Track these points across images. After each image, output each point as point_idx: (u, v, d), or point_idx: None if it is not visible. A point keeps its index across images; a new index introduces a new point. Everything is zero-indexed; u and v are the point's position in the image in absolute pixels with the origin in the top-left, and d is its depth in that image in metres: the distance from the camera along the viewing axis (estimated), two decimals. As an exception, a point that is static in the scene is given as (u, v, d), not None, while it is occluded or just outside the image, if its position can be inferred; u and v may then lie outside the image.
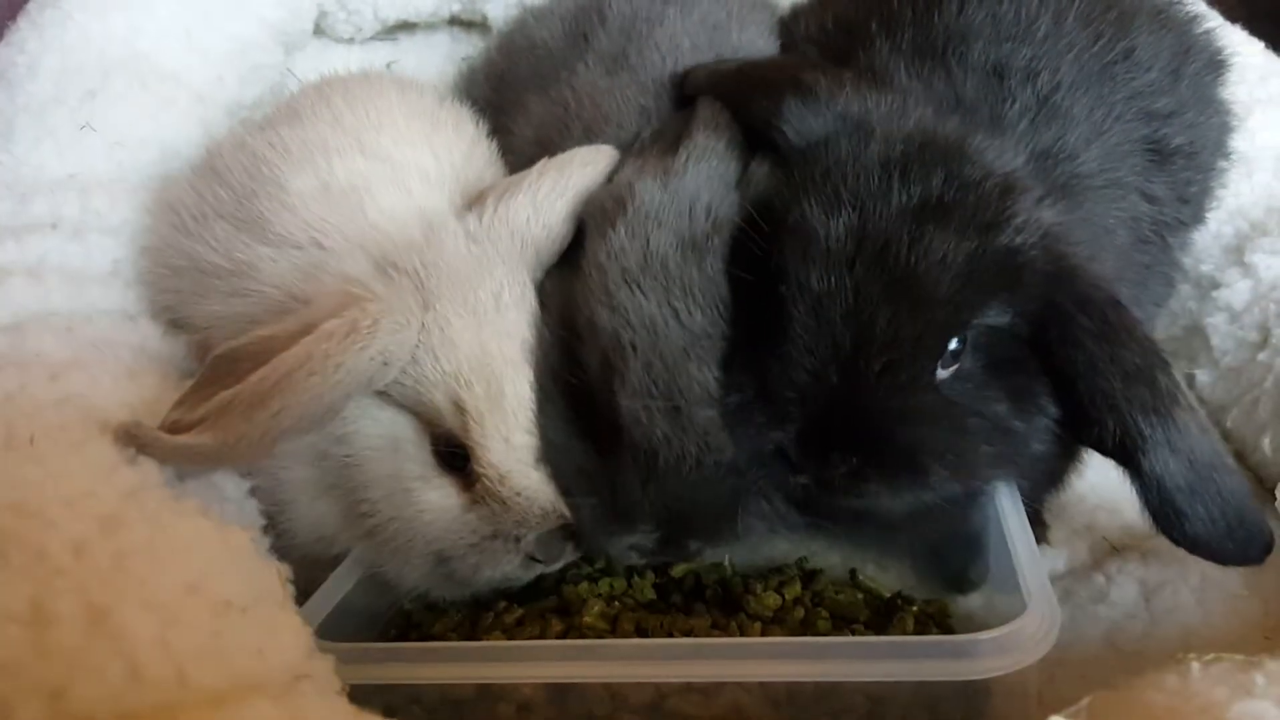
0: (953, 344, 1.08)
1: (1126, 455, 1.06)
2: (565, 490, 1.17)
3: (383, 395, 1.18)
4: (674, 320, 1.10)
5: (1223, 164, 1.52)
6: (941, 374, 1.08)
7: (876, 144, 1.14)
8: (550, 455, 1.17)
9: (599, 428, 1.15)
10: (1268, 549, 1.08)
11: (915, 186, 1.09)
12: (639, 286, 1.12)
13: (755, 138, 1.27)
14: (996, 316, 1.09)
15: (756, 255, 1.13)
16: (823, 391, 1.06)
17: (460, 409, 1.15)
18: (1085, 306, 1.07)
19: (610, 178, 1.30)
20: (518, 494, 1.16)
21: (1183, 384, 1.08)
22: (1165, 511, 1.06)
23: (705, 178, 1.19)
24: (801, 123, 1.20)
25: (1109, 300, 1.08)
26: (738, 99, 1.29)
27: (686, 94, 1.41)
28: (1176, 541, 1.08)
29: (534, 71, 1.65)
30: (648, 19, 1.57)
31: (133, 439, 1.06)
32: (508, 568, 1.21)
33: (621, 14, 1.60)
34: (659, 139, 1.32)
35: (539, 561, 1.21)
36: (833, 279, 1.06)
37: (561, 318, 1.21)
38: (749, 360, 1.12)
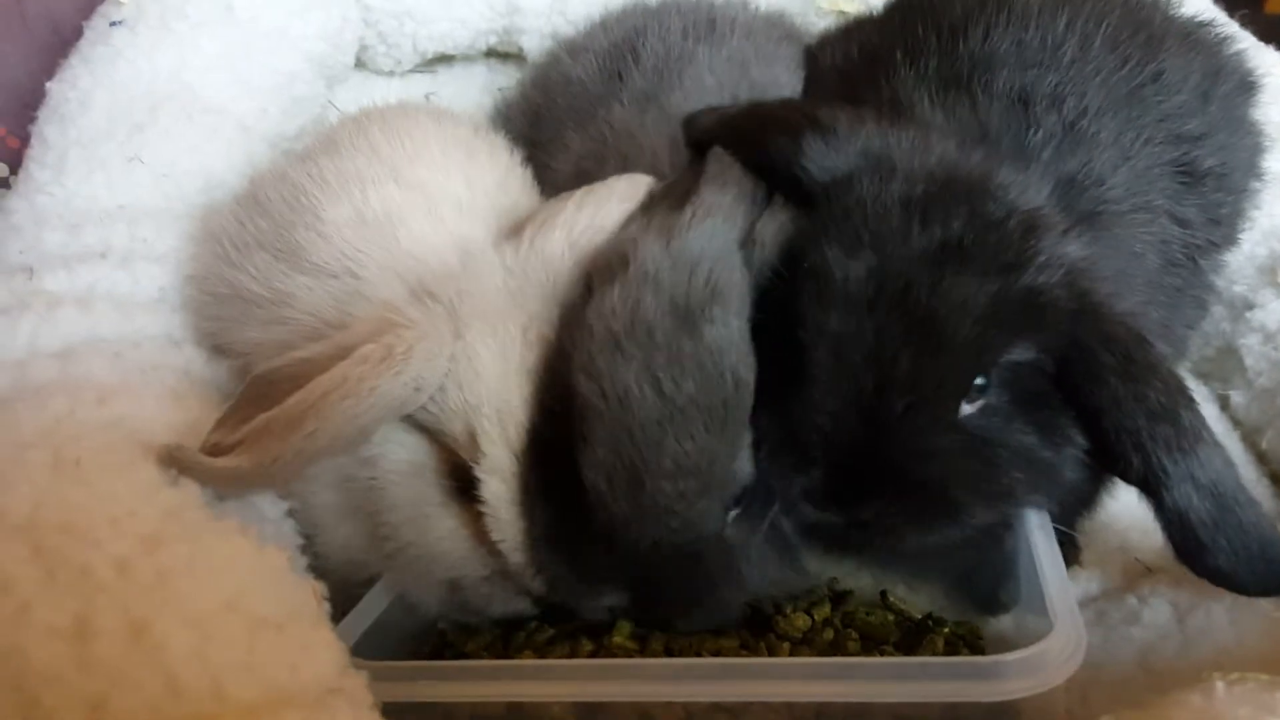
0: (978, 380, 1.08)
1: (1150, 489, 1.07)
2: (540, 544, 1.16)
3: (409, 420, 1.19)
4: (652, 390, 1.06)
5: (1255, 185, 1.50)
6: (967, 409, 1.08)
7: (897, 183, 1.13)
8: (530, 507, 1.16)
9: (580, 489, 1.13)
10: None
11: (936, 227, 1.08)
12: (620, 352, 1.08)
13: (773, 179, 1.26)
14: (1022, 353, 1.09)
15: (779, 297, 1.13)
16: (846, 434, 1.07)
17: (474, 441, 1.16)
18: (1109, 344, 1.07)
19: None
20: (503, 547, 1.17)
21: (1206, 420, 1.08)
22: (1188, 544, 1.07)
23: (709, 238, 1.15)
24: (823, 159, 1.19)
25: (1133, 336, 1.08)
26: (754, 140, 1.28)
27: (693, 139, 1.40)
28: (1199, 573, 1.09)
29: (571, 108, 1.69)
30: (680, 58, 1.60)
31: (174, 461, 1.08)
32: (517, 605, 1.23)
33: (655, 53, 1.63)
34: (669, 193, 1.30)
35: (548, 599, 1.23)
36: (853, 322, 1.07)
37: (554, 374, 1.19)
38: (775, 403, 1.11)
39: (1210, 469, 1.05)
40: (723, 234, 1.18)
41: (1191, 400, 1.08)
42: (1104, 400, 1.07)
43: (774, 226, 1.21)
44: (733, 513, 1.14)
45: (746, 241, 1.20)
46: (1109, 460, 1.10)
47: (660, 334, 1.08)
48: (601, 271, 1.20)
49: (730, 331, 1.10)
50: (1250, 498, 1.07)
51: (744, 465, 1.12)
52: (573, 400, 1.12)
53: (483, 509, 1.16)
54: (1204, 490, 1.05)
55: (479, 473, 1.15)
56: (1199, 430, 1.05)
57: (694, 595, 1.13)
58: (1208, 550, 1.06)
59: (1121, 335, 1.08)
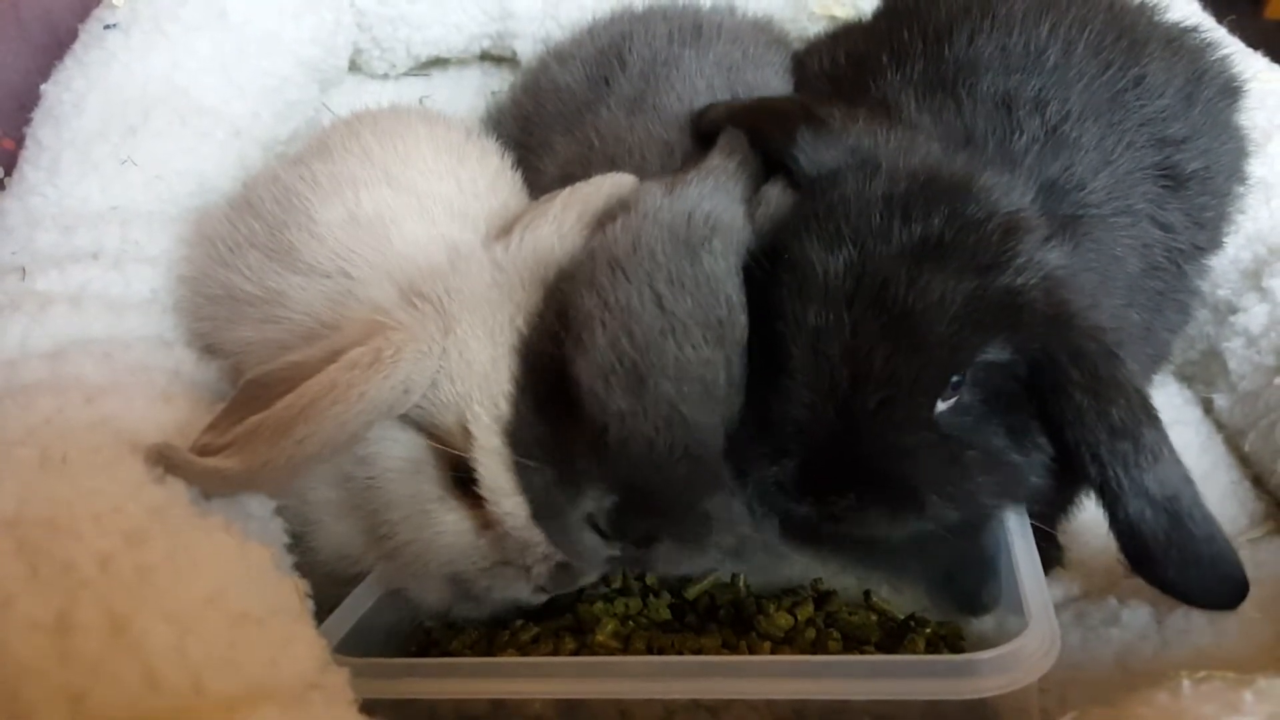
0: (953, 378, 1.09)
1: (1105, 502, 1.10)
2: (524, 456, 1.15)
3: (404, 418, 1.20)
4: (653, 304, 1.09)
5: (1239, 189, 1.51)
6: (941, 407, 1.09)
7: (881, 180, 1.14)
8: (515, 427, 1.16)
9: (570, 408, 1.14)
10: (1241, 595, 1.12)
11: (916, 225, 1.09)
12: (623, 271, 1.11)
13: (772, 168, 1.28)
14: (997, 353, 1.10)
15: (760, 288, 1.14)
16: (820, 427, 1.08)
17: (467, 431, 1.17)
18: (1078, 359, 1.08)
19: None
20: (508, 524, 1.17)
21: (1168, 437, 1.10)
22: (1139, 556, 1.11)
23: (710, 190, 1.19)
24: (814, 152, 1.21)
25: (1103, 352, 1.09)
26: (754, 130, 1.30)
27: (703, 130, 1.42)
28: (1150, 582, 1.13)
29: (559, 113, 1.70)
30: (666, 62, 1.62)
31: (163, 459, 1.09)
32: (518, 593, 1.23)
33: (641, 58, 1.65)
34: (682, 168, 1.33)
35: (547, 591, 1.24)
36: (830, 316, 1.07)
37: (547, 303, 1.22)
38: (753, 392, 1.12)
39: (1167, 486, 1.08)
40: (725, 189, 1.21)
41: (1155, 418, 1.10)
42: (1068, 413, 1.08)
43: (778, 188, 1.23)
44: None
45: (751, 200, 1.22)
46: (1072, 467, 1.12)
47: (661, 256, 1.11)
48: (603, 220, 1.24)
49: (729, 265, 1.13)
50: (1206, 514, 1.10)
51: (742, 387, 1.12)
52: (567, 321, 1.14)
53: (481, 492, 1.17)
54: (1158, 506, 1.08)
55: (474, 459, 1.16)
56: (1158, 448, 1.08)
57: (683, 508, 1.12)
58: (1158, 563, 1.10)
59: (1091, 351, 1.09)
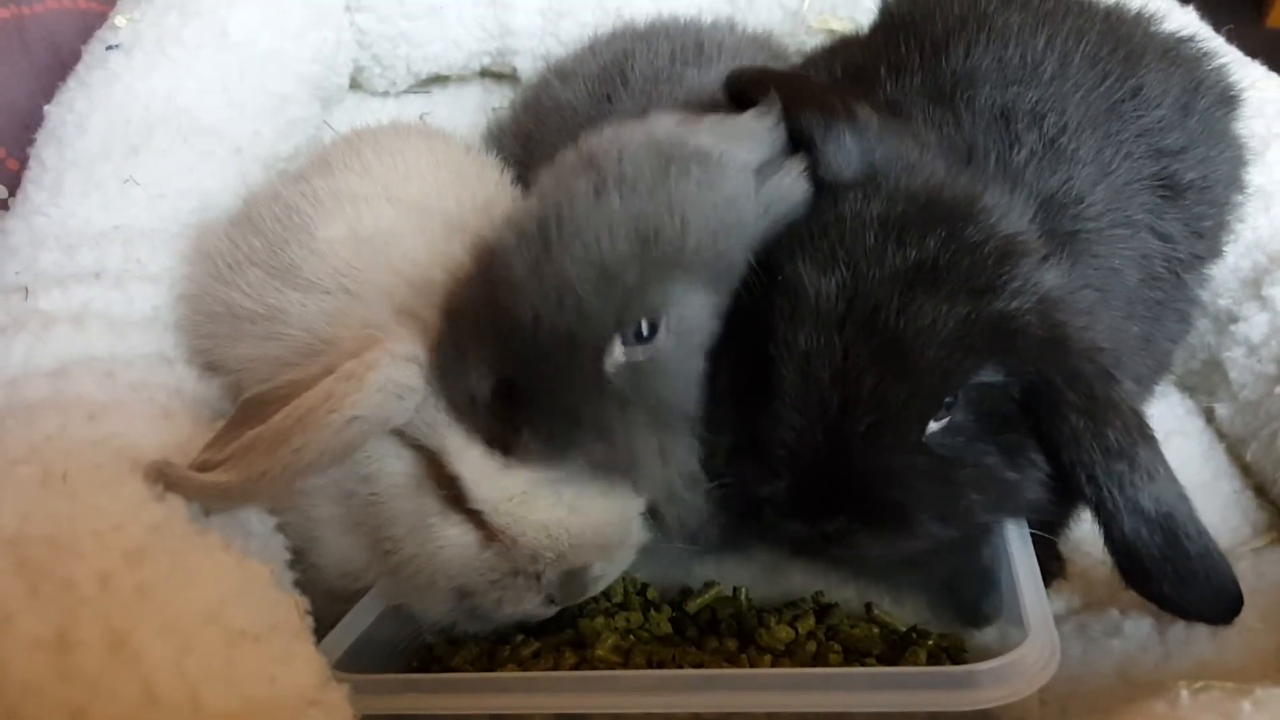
0: (945, 400, 1.09)
1: (1101, 521, 1.10)
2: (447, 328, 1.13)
3: (402, 436, 1.20)
4: (594, 194, 1.05)
5: (1238, 198, 1.51)
6: (933, 427, 1.09)
7: (879, 201, 1.13)
8: (447, 326, 1.15)
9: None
10: (1236, 609, 1.12)
11: (911, 249, 1.08)
12: (586, 163, 1.09)
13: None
14: (990, 375, 1.10)
15: (752, 307, 1.13)
16: (811, 450, 1.07)
17: (447, 448, 1.16)
18: (1074, 381, 1.08)
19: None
20: (511, 531, 1.17)
21: (1164, 455, 1.10)
22: (1134, 573, 1.11)
23: (722, 136, 1.15)
24: (839, 157, 1.16)
25: (1099, 373, 1.09)
26: (788, 104, 1.21)
27: (733, 94, 1.34)
28: (1147, 599, 1.13)
29: (561, 130, 1.70)
30: (668, 80, 1.62)
31: (162, 476, 1.09)
32: (529, 605, 1.22)
33: (643, 75, 1.65)
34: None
35: (557, 602, 1.23)
36: (821, 339, 1.07)
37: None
38: (742, 409, 1.12)
39: (1163, 503, 1.08)
40: (738, 141, 1.16)
41: (1150, 437, 1.09)
42: (1064, 435, 1.08)
43: (799, 166, 1.17)
44: (624, 345, 1.09)
45: (768, 164, 1.16)
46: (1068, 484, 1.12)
47: (628, 160, 1.08)
48: None
49: (703, 197, 1.08)
50: (1201, 530, 1.10)
51: (659, 300, 1.08)
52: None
53: (473, 506, 1.16)
54: (1154, 524, 1.08)
55: (458, 475, 1.16)
56: (1153, 467, 1.08)
57: (553, 398, 1.09)
58: (1154, 579, 1.10)
59: (1087, 372, 1.08)
